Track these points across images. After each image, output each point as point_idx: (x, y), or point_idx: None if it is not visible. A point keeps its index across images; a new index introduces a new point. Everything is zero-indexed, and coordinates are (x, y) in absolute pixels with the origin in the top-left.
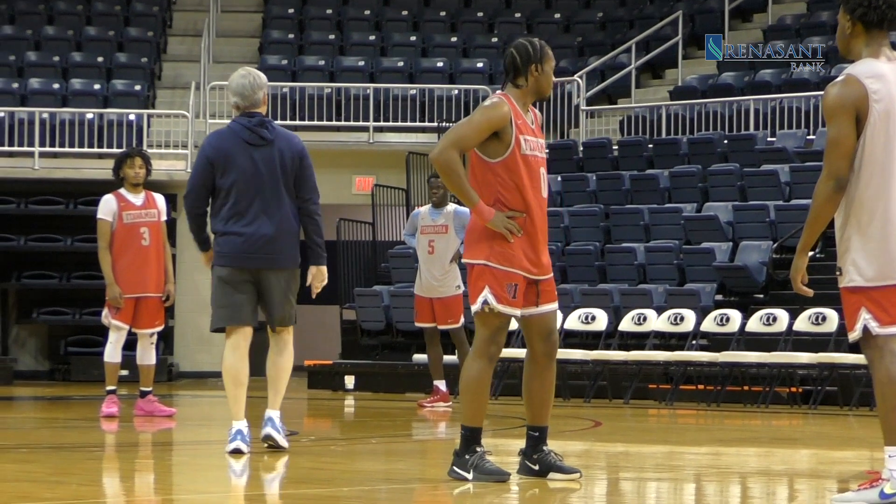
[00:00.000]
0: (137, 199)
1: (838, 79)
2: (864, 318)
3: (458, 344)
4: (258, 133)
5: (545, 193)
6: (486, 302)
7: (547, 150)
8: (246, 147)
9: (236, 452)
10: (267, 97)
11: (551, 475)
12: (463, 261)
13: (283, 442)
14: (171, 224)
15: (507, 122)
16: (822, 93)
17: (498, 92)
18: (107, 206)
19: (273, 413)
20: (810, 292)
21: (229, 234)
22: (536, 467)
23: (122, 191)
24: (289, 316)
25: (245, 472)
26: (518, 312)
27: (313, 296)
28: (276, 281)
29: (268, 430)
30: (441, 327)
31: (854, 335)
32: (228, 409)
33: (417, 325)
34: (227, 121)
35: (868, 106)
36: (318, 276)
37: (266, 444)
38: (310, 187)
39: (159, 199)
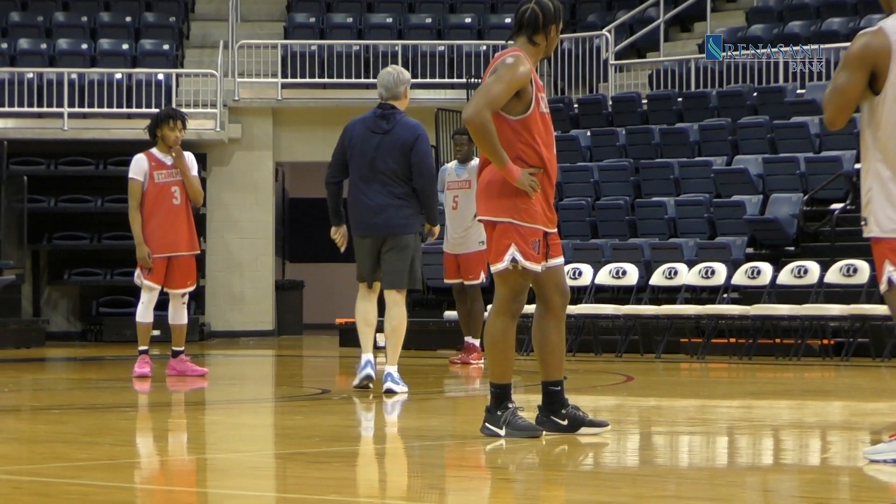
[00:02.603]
0: (168, 158)
1: (870, 28)
2: (888, 271)
3: (471, 300)
4: (378, 124)
5: (554, 149)
6: (514, 260)
7: (576, 105)
8: (371, 134)
9: (367, 379)
10: (408, 91)
11: (582, 430)
12: (481, 217)
13: (400, 391)
14: (201, 183)
15: (529, 79)
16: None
17: (512, 47)
18: (138, 166)
19: (389, 368)
20: None
21: (353, 204)
22: (565, 423)
23: (154, 150)
24: (395, 279)
25: (276, 431)
26: (540, 268)
27: (428, 240)
28: (385, 246)
29: (387, 384)
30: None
31: (882, 287)
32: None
33: (446, 282)
34: (257, 79)
35: (890, 60)
36: (427, 230)
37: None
38: (420, 172)
39: (189, 157)
